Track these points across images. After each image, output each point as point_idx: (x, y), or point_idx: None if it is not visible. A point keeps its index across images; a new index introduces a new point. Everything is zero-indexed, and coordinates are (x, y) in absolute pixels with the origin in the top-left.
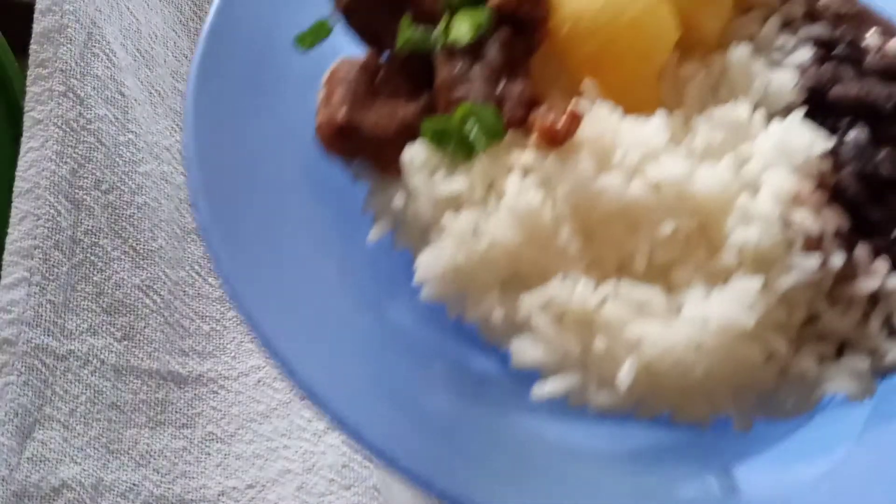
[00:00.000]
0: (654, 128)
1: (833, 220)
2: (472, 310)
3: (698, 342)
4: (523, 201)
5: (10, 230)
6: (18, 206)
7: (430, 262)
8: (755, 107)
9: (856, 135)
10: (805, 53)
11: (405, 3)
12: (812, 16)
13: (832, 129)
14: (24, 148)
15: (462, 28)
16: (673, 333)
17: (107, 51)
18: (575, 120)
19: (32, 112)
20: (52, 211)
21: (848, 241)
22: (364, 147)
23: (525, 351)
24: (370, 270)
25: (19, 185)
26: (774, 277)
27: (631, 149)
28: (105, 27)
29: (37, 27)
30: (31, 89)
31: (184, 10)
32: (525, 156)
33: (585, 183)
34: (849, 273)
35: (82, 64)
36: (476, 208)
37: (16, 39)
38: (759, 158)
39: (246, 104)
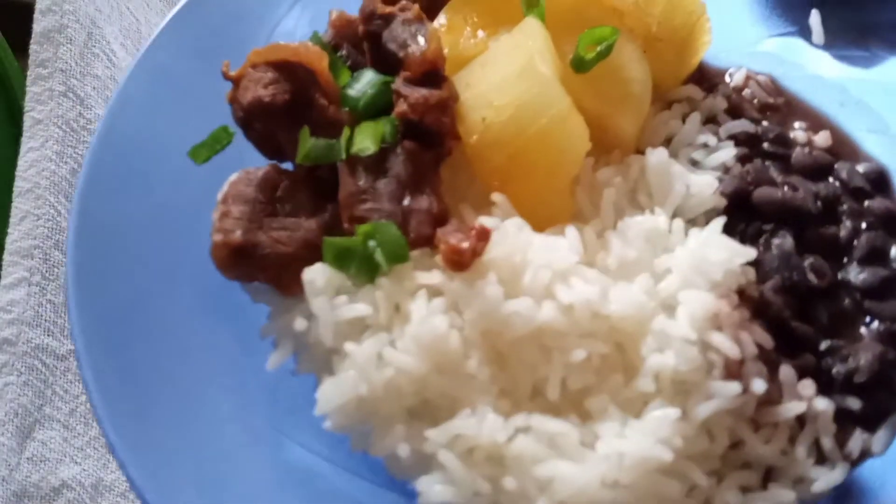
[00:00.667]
0: (564, 247)
1: (753, 341)
2: (377, 444)
3: (614, 479)
4: (429, 327)
5: (10, 230)
6: (18, 205)
7: (332, 393)
8: (674, 214)
9: (780, 242)
10: (729, 152)
11: (306, 114)
12: (736, 110)
13: (757, 235)
14: (24, 148)
15: (365, 139)
16: (586, 471)
17: (107, 51)
18: (482, 238)
19: (32, 112)
20: (52, 211)
21: (772, 360)
22: (263, 268)
23: (433, 489)
24: (269, 400)
25: (19, 184)
26: (693, 405)
27: (540, 270)
28: (105, 27)
29: (37, 27)
30: (32, 89)
31: None
32: (431, 277)
33: (494, 307)
34: (774, 396)
35: (82, 64)
36: (380, 334)
37: (16, 39)
38: (676, 275)
39: (133, 224)
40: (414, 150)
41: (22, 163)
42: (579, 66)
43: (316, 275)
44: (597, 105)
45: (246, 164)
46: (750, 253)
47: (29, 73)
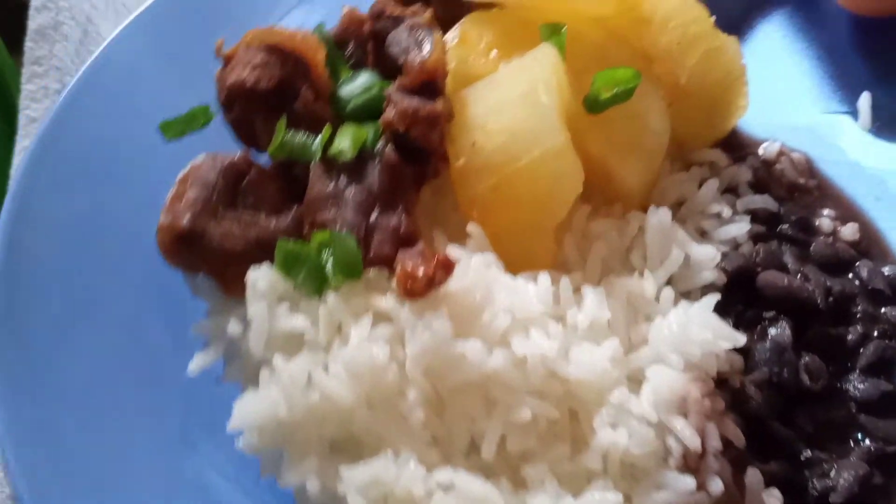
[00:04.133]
0: (532, 293)
1: (721, 436)
2: (287, 473)
3: None
4: (366, 354)
5: None
6: None
7: (250, 409)
8: (668, 283)
9: (776, 333)
10: (742, 227)
11: (288, 104)
12: (761, 185)
13: (754, 321)
14: (18, 146)
15: (345, 142)
16: None
17: None
18: (444, 268)
19: (27, 111)
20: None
21: (740, 461)
22: (207, 260)
23: None
24: (184, 404)
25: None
26: (640, 494)
27: (500, 314)
28: (101, 24)
29: (32, 24)
30: (27, 87)
31: None
32: (382, 301)
33: (440, 345)
34: (734, 500)
35: (78, 61)
36: (316, 353)
37: (10, 37)
38: (650, 347)
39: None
40: (394, 162)
41: (17, 161)
42: (592, 106)
43: (260, 276)
44: (604, 151)
45: None
46: (738, 338)
47: (24, 70)
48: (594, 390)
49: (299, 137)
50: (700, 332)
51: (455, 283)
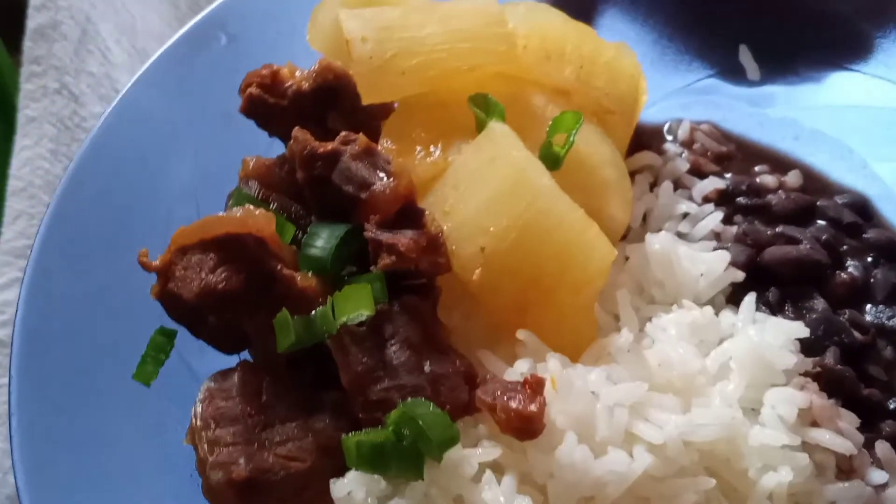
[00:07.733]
0: (626, 376)
1: (855, 430)
2: None
3: None
4: None
5: (3, 230)
6: (12, 205)
7: None
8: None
9: (811, 305)
10: (716, 217)
11: (269, 292)
12: (695, 167)
13: (781, 302)
14: (17, 146)
15: (357, 305)
16: None
17: (102, 48)
18: (539, 391)
19: (26, 110)
20: (45, 210)
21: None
22: (281, 497)
23: None
24: None
25: (13, 183)
26: None
27: (616, 411)
28: (100, 24)
29: (31, 24)
30: (25, 86)
31: (180, 6)
32: (489, 453)
33: (585, 472)
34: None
35: (77, 61)
36: None
37: (9, 36)
38: (738, 372)
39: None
40: (416, 304)
41: (16, 161)
42: (554, 162)
43: (351, 487)
44: (587, 200)
45: None
46: (801, 328)
47: (22, 70)
48: (728, 441)
49: (300, 321)
50: (777, 337)
51: (558, 405)
